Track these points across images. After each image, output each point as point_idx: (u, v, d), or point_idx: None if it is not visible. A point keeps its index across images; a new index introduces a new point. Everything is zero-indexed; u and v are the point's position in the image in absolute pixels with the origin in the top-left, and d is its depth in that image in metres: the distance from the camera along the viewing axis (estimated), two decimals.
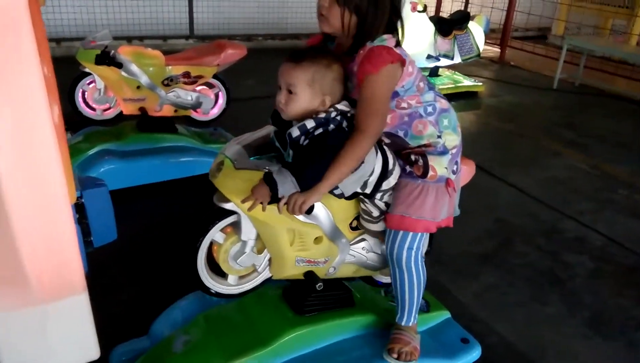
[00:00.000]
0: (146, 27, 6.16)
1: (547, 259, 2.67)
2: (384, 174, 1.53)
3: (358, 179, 1.49)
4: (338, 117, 1.43)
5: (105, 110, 3.16)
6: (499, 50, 7.19)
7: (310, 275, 1.65)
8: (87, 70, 2.93)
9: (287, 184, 1.37)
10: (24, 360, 0.98)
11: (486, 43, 5.61)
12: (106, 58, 2.76)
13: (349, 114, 1.46)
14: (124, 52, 2.86)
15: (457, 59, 5.14)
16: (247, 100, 4.45)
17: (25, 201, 0.74)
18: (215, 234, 1.55)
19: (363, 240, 1.71)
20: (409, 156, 1.57)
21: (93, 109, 3.15)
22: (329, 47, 1.56)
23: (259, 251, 1.61)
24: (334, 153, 1.39)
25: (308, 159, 1.39)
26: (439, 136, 1.56)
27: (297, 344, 1.64)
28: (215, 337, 1.62)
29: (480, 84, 5.60)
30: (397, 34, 1.50)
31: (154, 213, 2.78)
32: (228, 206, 1.49)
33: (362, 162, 1.46)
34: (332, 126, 1.41)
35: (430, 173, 1.55)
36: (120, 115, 3.15)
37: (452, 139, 1.60)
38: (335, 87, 1.45)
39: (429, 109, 1.55)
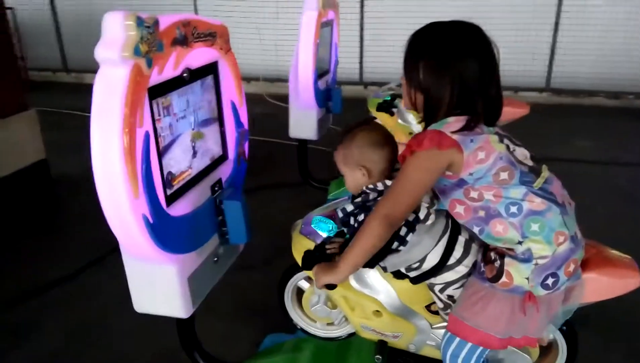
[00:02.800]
0: None
1: None
2: (439, 267, 1.40)
3: (402, 261, 1.43)
4: (378, 198, 1.39)
5: None
6: None
7: (381, 345, 1.66)
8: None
9: None
10: (141, 297, 1.49)
11: None
12: (384, 106, 3.20)
13: None
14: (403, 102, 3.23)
15: None
16: (571, 161, 4.25)
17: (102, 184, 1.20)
18: (298, 280, 1.77)
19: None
20: (490, 253, 1.37)
21: None
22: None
23: (333, 307, 1.72)
24: None
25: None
26: (520, 242, 1.28)
27: None
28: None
29: None
30: (479, 113, 1.28)
31: None
32: None
33: (401, 243, 1.37)
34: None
35: (504, 279, 1.31)
36: None
37: (541, 249, 1.28)
38: (365, 154, 1.43)
39: (513, 209, 1.27)
